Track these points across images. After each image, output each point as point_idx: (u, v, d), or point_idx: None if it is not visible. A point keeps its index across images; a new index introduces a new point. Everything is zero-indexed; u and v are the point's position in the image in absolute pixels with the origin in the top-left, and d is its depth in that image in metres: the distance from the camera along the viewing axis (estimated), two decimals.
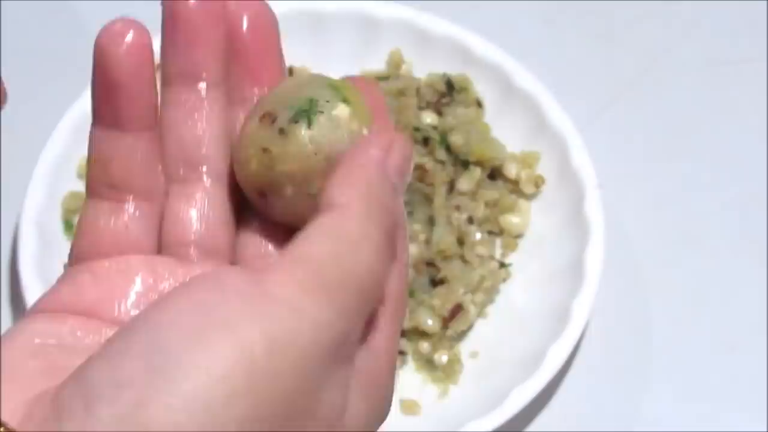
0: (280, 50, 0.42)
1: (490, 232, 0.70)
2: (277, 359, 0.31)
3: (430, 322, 0.65)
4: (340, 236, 0.34)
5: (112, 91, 0.37)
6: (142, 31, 0.38)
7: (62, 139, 0.69)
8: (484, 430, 0.61)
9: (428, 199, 0.69)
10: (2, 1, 0.78)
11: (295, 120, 0.37)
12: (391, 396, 0.37)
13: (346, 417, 0.34)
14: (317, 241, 0.34)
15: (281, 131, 0.37)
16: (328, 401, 0.33)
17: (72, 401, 0.31)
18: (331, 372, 0.33)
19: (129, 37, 0.38)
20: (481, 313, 0.67)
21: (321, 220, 0.34)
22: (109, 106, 0.37)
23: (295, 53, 0.75)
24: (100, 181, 0.38)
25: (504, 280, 0.68)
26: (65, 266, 0.38)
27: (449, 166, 0.69)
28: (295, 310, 0.32)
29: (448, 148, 0.70)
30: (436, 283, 0.67)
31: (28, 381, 0.32)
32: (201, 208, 0.38)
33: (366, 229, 0.34)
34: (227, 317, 0.31)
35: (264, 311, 0.32)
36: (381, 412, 0.36)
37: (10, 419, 0.31)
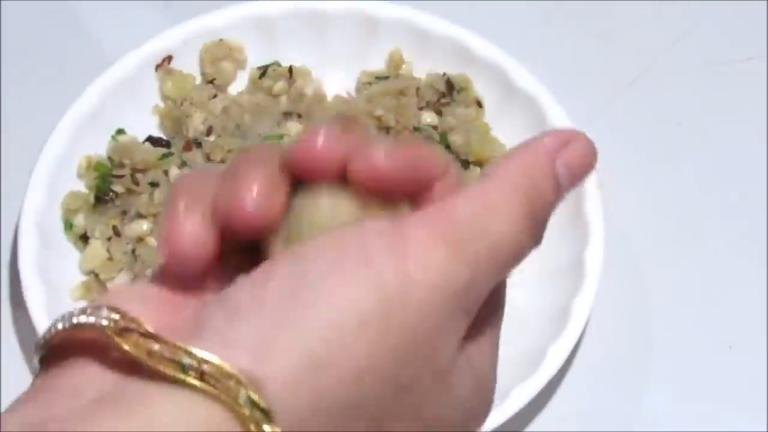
0: None
1: None
2: (407, 294, 0.33)
3: None
4: (483, 198, 0.35)
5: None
6: None
7: (62, 139, 0.70)
8: (484, 430, 0.61)
9: None
10: (2, 1, 0.78)
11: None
12: (490, 404, 0.38)
13: (454, 380, 0.35)
14: (459, 199, 0.35)
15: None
16: (442, 349, 0.34)
17: (213, 314, 0.32)
18: (451, 319, 0.34)
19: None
20: None
21: (471, 185, 0.35)
22: None
23: (295, 53, 0.75)
24: None
25: None
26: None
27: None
28: (428, 252, 0.33)
29: (448, 148, 0.70)
30: None
31: None
32: None
33: (511, 200, 0.35)
34: (365, 251, 0.33)
35: (399, 249, 0.33)
36: (481, 409, 0.37)
37: None
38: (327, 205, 0.36)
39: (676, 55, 0.78)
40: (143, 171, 0.70)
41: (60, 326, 0.32)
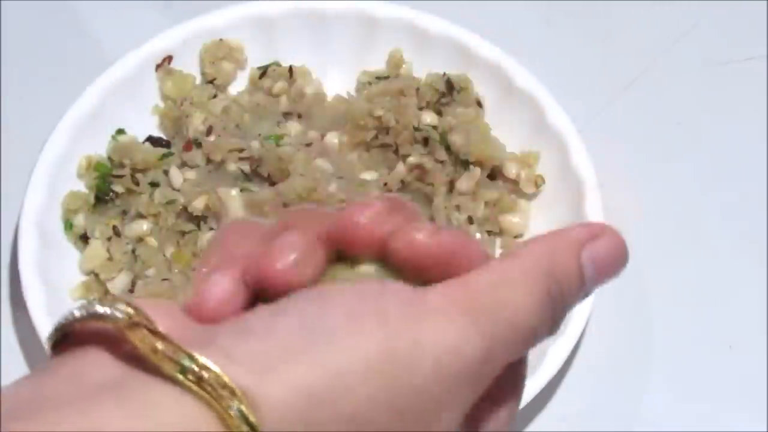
0: None
1: (489, 232, 0.70)
2: (418, 357, 0.33)
3: None
4: (503, 272, 0.36)
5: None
6: None
7: (62, 139, 0.70)
8: None
9: (428, 199, 0.69)
10: (2, 1, 0.78)
11: None
12: None
13: None
14: (481, 271, 0.35)
15: None
16: (445, 419, 0.34)
17: (225, 331, 0.33)
18: (459, 390, 0.34)
19: None
20: None
21: (493, 260, 0.36)
22: None
23: (295, 53, 0.75)
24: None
25: None
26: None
27: (449, 166, 0.69)
28: (444, 319, 0.34)
29: (448, 148, 0.70)
30: None
31: None
32: None
33: (531, 277, 0.36)
34: (384, 309, 0.33)
35: (416, 314, 0.34)
36: None
37: None
38: (363, 275, 0.37)
39: (675, 56, 0.78)
40: (143, 171, 0.70)
41: (77, 314, 0.33)
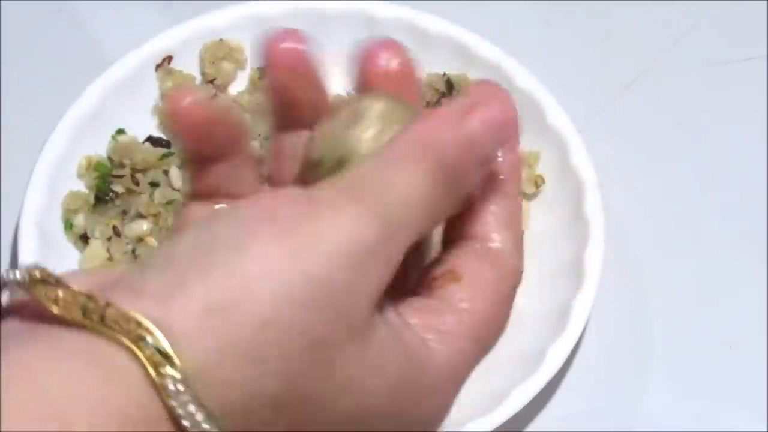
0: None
1: None
2: (315, 247, 0.33)
3: None
4: (383, 156, 0.36)
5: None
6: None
7: (62, 139, 0.69)
8: (484, 430, 0.61)
9: None
10: (2, 1, 0.78)
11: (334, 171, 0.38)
12: (440, 408, 0.37)
13: (374, 342, 0.34)
14: (367, 162, 0.36)
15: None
16: (356, 304, 0.33)
17: (130, 270, 0.34)
18: (365, 273, 0.34)
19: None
20: None
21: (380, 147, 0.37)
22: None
23: None
24: None
25: None
26: None
27: None
28: (336, 211, 0.34)
29: None
30: None
31: None
32: None
33: (411, 153, 0.36)
34: (274, 214, 0.34)
35: (306, 210, 0.34)
36: (423, 401, 0.36)
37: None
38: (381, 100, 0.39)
39: (675, 56, 0.78)
40: (143, 171, 0.70)
41: None
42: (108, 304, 0.31)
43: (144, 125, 0.72)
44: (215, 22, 0.74)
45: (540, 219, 0.70)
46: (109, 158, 0.71)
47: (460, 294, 0.37)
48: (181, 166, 0.70)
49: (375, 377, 0.34)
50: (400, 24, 0.74)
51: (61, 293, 0.32)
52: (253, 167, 0.41)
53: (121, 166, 0.70)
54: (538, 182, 0.70)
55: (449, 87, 0.72)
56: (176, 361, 0.31)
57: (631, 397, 0.66)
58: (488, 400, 0.62)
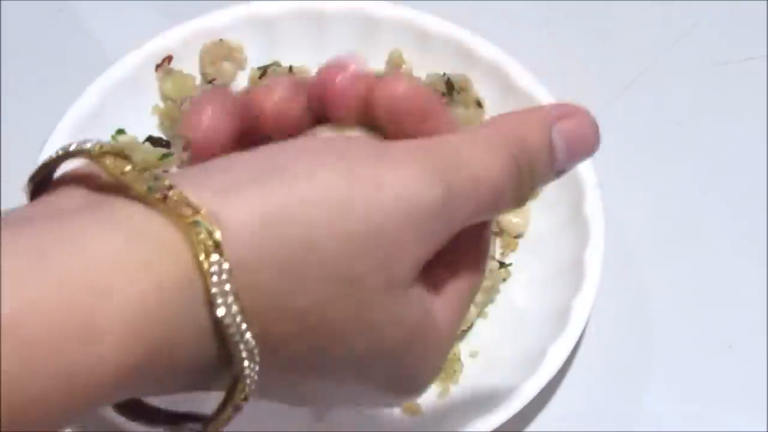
0: None
1: None
2: (377, 192, 0.34)
3: None
4: (470, 136, 0.36)
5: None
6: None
7: (62, 139, 0.69)
8: (484, 430, 0.61)
9: None
10: (2, 1, 0.78)
11: None
12: (420, 381, 0.38)
13: (402, 306, 0.35)
14: (448, 134, 0.36)
15: None
16: (400, 260, 0.34)
17: (194, 168, 0.36)
18: (416, 232, 0.34)
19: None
20: (481, 313, 0.67)
21: (464, 128, 0.37)
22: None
23: (295, 53, 0.75)
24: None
25: (504, 279, 0.68)
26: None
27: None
28: (405, 165, 0.34)
29: None
30: None
31: None
32: None
33: (496, 143, 0.36)
34: (346, 150, 0.34)
35: (377, 156, 0.34)
36: (435, 361, 0.38)
37: None
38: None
39: (675, 55, 0.78)
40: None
41: (53, 155, 0.35)
42: (171, 187, 0.33)
43: (144, 125, 0.72)
44: (215, 22, 0.74)
45: (540, 219, 0.70)
46: None
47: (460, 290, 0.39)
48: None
49: (395, 329, 0.35)
50: (400, 24, 0.74)
51: (128, 167, 0.34)
52: None
53: None
54: None
55: (449, 87, 0.72)
56: (226, 252, 0.31)
57: (631, 397, 0.66)
58: (488, 400, 0.62)
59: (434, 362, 0.38)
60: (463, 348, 0.66)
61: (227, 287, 0.32)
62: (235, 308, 0.32)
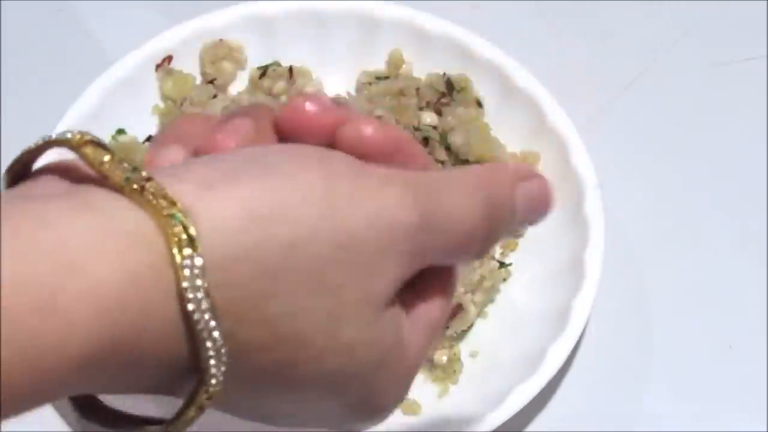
0: None
1: None
2: (360, 203, 0.34)
3: None
4: (447, 176, 0.37)
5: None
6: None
7: None
8: (484, 430, 0.61)
9: None
10: (2, 1, 0.78)
11: None
12: (384, 408, 0.38)
13: (376, 329, 0.35)
14: (426, 172, 0.37)
15: None
16: (378, 277, 0.34)
17: (176, 165, 0.35)
18: (394, 253, 0.34)
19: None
20: (481, 313, 0.67)
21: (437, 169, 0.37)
22: None
23: (295, 53, 0.75)
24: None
25: (504, 279, 0.68)
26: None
27: (449, 166, 0.69)
28: (385, 185, 0.34)
29: (448, 148, 0.70)
30: None
31: None
32: None
33: (472, 190, 0.36)
34: (328, 158, 0.34)
35: (357, 172, 0.34)
36: (379, 398, 0.37)
37: None
38: None
39: (675, 56, 0.78)
40: None
41: (33, 145, 0.34)
42: (149, 179, 0.32)
43: (144, 125, 0.72)
44: (215, 22, 0.74)
45: None
46: None
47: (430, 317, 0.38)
48: None
49: (368, 350, 0.35)
50: (400, 24, 0.74)
51: (107, 158, 0.33)
52: None
53: None
54: None
55: (449, 87, 0.72)
56: (199, 248, 0.31)
57: (631, 397, 0.66)
58: (488, 400, 0.62)
59: (400, 388, 0.38)
60: (463, 348, 0.66)
61: (198, 282, 0.31)
62: (205, 304, 0.31)
